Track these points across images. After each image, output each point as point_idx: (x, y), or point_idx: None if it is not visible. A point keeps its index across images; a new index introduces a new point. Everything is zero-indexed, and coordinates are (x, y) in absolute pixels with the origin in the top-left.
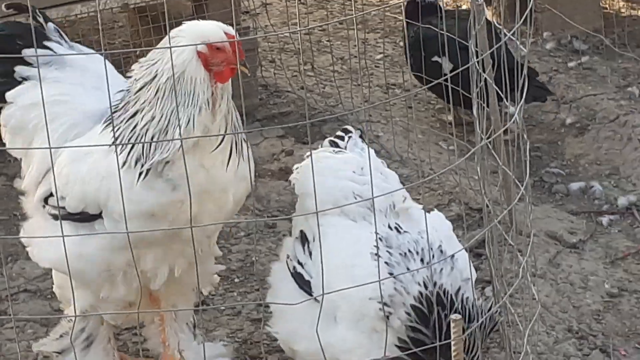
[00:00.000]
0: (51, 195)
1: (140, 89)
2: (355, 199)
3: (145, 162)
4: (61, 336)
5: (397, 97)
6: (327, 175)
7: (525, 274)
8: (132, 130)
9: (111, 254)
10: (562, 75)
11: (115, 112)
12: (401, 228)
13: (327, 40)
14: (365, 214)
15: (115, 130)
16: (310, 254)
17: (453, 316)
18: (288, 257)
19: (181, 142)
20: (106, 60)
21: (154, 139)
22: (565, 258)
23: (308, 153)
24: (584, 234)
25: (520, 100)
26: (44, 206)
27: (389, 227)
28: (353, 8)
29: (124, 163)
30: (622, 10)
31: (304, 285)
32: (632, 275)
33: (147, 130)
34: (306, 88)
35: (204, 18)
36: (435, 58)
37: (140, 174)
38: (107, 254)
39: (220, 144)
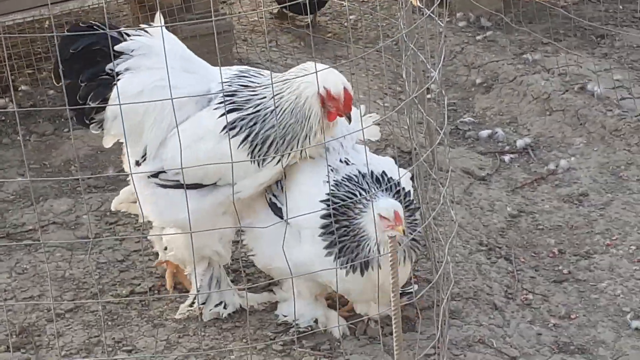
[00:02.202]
0: (162, 172)
1: (264, 103)
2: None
3: (262, 154)
4: (198, 290)
5: (342, 64)
6: None
7: (445, 201)
8: (252, 127)
9: (219, 208)
10: (472, 47)
11: (229, 105)
12: (349, 161)
13: (288, 23)
14: (322, 153)
15: (239, 125)
16: (282, 187)
17: (389, 233)
18: (266, 191)
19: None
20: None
21: (273, 143)
22: (476, 188)
23: None
24: (490, 169)
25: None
26: (148, 177)
27: (340, 160)
28: None
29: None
30: None
31: (277, 212)
32: (528, 200)
33: (268, 135)
34: (272, 61)
35: (189, 7)
36: None
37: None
38: (216, 208)
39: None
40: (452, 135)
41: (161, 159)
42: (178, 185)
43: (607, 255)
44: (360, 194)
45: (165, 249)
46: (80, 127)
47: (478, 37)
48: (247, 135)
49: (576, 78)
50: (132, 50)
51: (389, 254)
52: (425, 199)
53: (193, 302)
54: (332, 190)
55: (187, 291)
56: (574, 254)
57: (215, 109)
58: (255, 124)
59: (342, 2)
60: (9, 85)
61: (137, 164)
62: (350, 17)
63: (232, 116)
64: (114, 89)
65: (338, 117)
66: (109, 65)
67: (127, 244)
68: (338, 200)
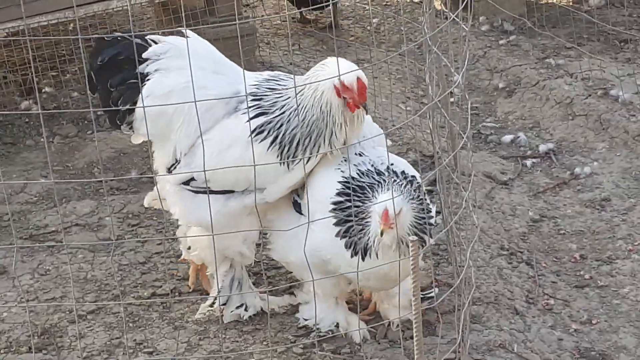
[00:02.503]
0: (192, 179)
1: (288, 103)
2: None
3: (290, 155)
4: (219, 291)
5: (365, 68)
6: None
7: (467, 205)
8: (279, 129)
9: (244, 210)
10: (495, 51)
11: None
12: (363, 153)
13: (310, 27)
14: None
15: (265, 128)
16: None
17: (410, 237)
18: (291, 192)
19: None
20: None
21: (300, 142)
22: (498, 192)
23: None
24: (512, 173)
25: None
26: (180, 184)
27: (355, 153)
28: (331, 1)
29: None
30: None
31: (297, 207)
32: (550, 205)
33: (294, 134)
34: (294, 64)
35: (213, 11)
36: None
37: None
38: (241, 210)
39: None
40: (474, 140)
41: (191, 167)
42: (209, 192)
43: (629, 260)
44: (374, 178)
45: (189, 248)
46: (103, 129)
47: (501, 41)
48: (275, 137)
49: (599, 83)
50: (161, 54)
51: (410, 257)
52: (447, 203)
53: (214, 303)
54: (342, 172)
55: (208, 293)
56: (595, 259)
57: (243, 114)
58: (281, 125)
59: (365, 6)
60: (33, 87)
61: (169, 171)
62: (373, 20)
63: (259, 120)
64: (142, 90)
65: (357, 109)
66: (138, 69)
67: (149, 246)
68: (353, 181)
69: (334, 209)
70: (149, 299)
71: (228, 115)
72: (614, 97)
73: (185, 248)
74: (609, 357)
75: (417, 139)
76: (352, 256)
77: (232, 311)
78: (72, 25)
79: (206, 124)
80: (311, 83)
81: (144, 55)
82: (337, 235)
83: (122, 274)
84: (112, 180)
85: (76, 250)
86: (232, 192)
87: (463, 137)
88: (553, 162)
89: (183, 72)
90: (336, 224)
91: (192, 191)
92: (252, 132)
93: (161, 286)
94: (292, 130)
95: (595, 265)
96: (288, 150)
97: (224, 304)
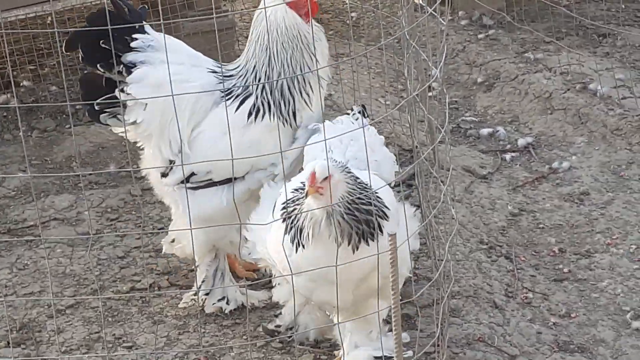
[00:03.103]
0: (192, 175)
1: (253, 59)
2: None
3: (290, 109)
4: (203, 281)
5: (344, 61)
6: None
7: (446, 199)
8: (268, 96)
9: (246, 195)
10: (474, 45)
11: (231, 88)
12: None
13: None
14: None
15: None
16: None
17: (388, 231)
18: None
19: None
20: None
21: (290, 89)
22: (477, 186)
23: None
24: (491, 167)
25: None
26: (179, 183)
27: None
28: None
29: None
30: None
31: None
32: (529, 199)
33: (282, 85)
34: None
35: (191, 4)
36: None
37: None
38: (242, 196)
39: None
40: (453, 134)
41: (187, 163)
42: (209, 184)
43: (608, 254)
44: None
45: (173, 241)
46: (82, 123)
47: (480, 36)
48: (269, 105)
49: (578, 77)
50: (147, 46)
51: (389, 250)
52: (426, 197)
53: (197, 292)
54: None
55: (189, 287)
56: (574, 253)
57: (230, 105)
58: (266, 90)
59: (344, 0)
60: (11, 81)
61: (164, 175)
62: (352, 14)
63: (250, 102)
64: (131, 79)
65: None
66: (128, 58)
67: (127, 241)
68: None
69: (283, 208)
70: (127, 293)
71: (216, 105)
72: (592, 91)
73: (168, 242)
74: (588, 350)
75: (397, 133)
76: (297, 251)
77: (214, 303)
78: (49, 18)
79: (197, 115)
80: (269, 25)
81: (132, 44)
82: (285, 232)
83: (100, 268)
84: (90, 174)
85: (55, 245)
86: (230, 182)
87: (442, 131)
88: (532, 156)
89: (166, 65)
90: (284, 221)
91: (193, 188)
92: (249, 115)
93: (140, 280)
94: (278, 83)
95: (574, 259)
96: (286, 106)
97: (207, 294)
